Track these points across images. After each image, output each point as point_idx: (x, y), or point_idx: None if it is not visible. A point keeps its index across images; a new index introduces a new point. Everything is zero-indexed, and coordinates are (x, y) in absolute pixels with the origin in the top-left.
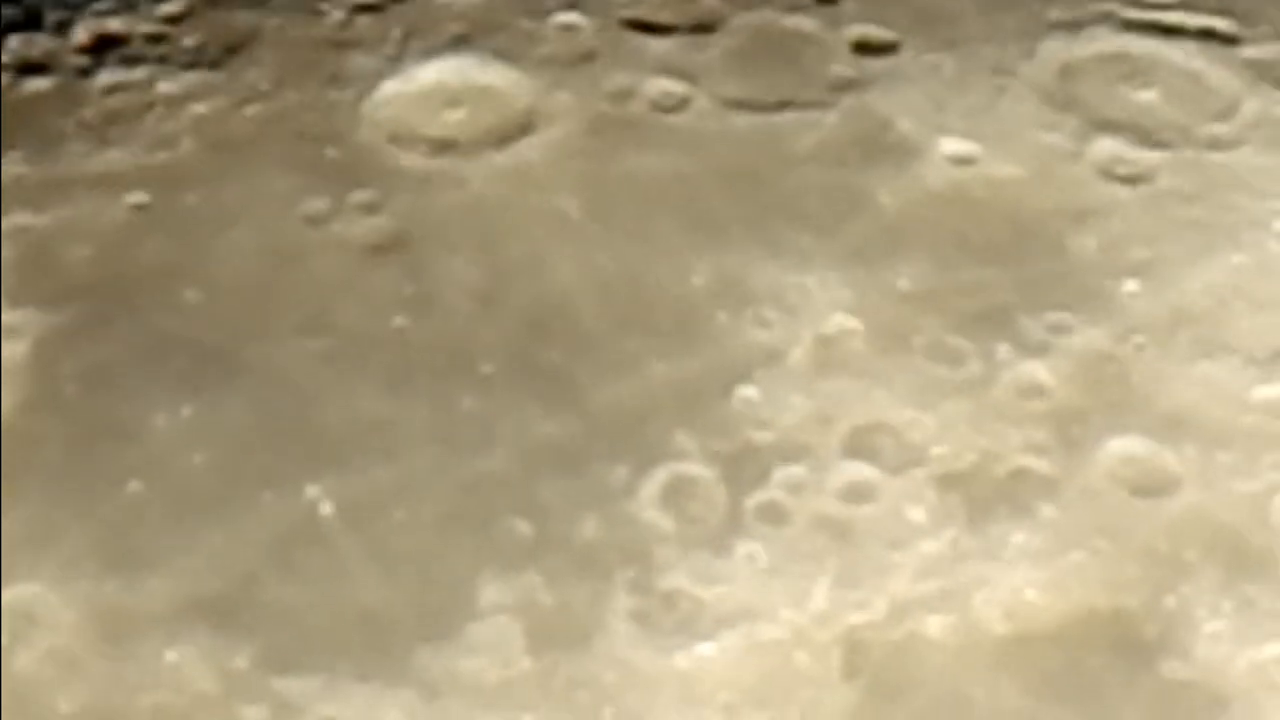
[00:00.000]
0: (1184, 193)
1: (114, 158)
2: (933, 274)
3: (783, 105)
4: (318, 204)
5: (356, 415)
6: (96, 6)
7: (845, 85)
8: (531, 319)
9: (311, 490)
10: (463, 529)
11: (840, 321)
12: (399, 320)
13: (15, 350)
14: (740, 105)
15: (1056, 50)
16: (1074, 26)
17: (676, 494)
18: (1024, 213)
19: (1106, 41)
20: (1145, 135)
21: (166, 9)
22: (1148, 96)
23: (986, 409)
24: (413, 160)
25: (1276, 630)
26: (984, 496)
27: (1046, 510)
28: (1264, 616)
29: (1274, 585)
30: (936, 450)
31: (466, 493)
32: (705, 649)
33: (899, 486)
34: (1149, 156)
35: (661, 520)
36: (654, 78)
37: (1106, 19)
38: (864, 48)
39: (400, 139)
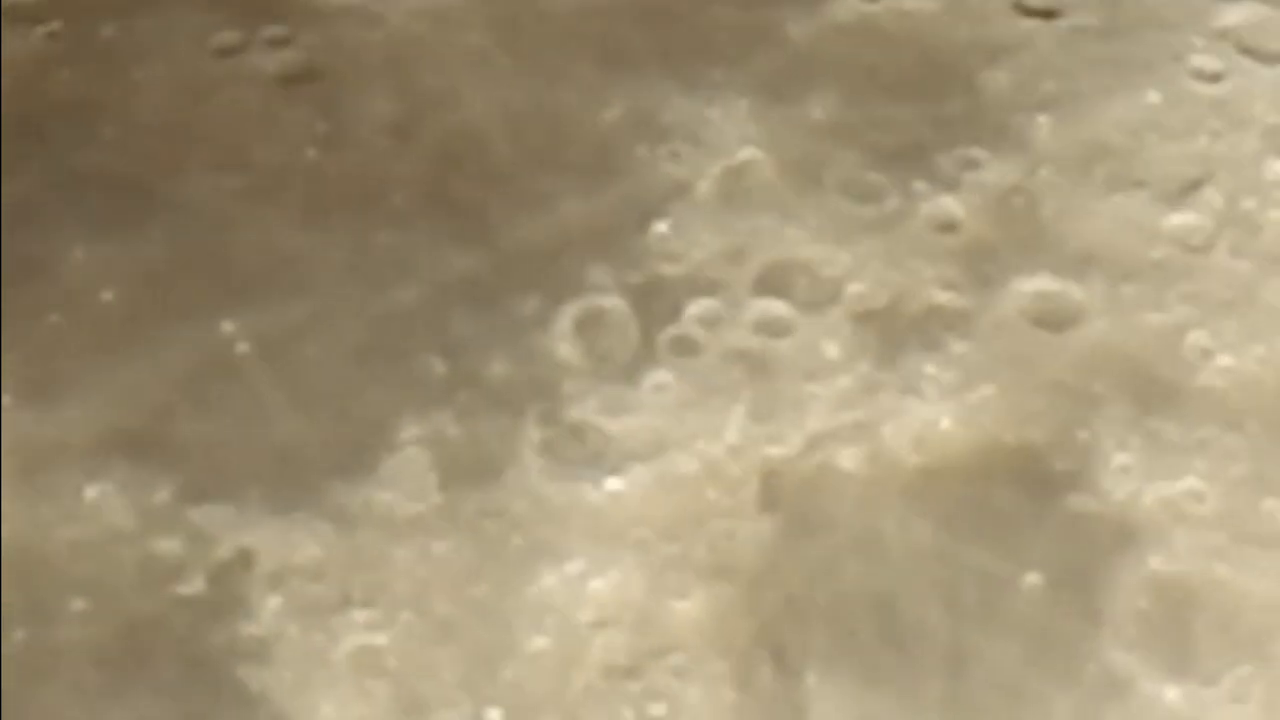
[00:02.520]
0: (1097, 27)
1: None
2: (844, 108)
3: None
4: (230, 37)
5: (270, 250)
6: None
7: None
8: (445, 154)
9: (227, 325)
10: (376, 364)
11: (751, 155)
12: (312, 155)
13: None
14: None
15: None
16: None
17: (588, 328)
18: (936, 47)
19: None
20: None
21: None
22: None
23: (899, 245)
24: None
25: (1185, 464)
26: (897, 331)
27: (958, 345)
28: (1172, 450)
29: (1182, 419)
30: (850, 286)
31: (380, 328)
32: (616, 482)
33: (813, 322)
34: None
35: (573, 354)
36: None
37: None
38: None
39: None
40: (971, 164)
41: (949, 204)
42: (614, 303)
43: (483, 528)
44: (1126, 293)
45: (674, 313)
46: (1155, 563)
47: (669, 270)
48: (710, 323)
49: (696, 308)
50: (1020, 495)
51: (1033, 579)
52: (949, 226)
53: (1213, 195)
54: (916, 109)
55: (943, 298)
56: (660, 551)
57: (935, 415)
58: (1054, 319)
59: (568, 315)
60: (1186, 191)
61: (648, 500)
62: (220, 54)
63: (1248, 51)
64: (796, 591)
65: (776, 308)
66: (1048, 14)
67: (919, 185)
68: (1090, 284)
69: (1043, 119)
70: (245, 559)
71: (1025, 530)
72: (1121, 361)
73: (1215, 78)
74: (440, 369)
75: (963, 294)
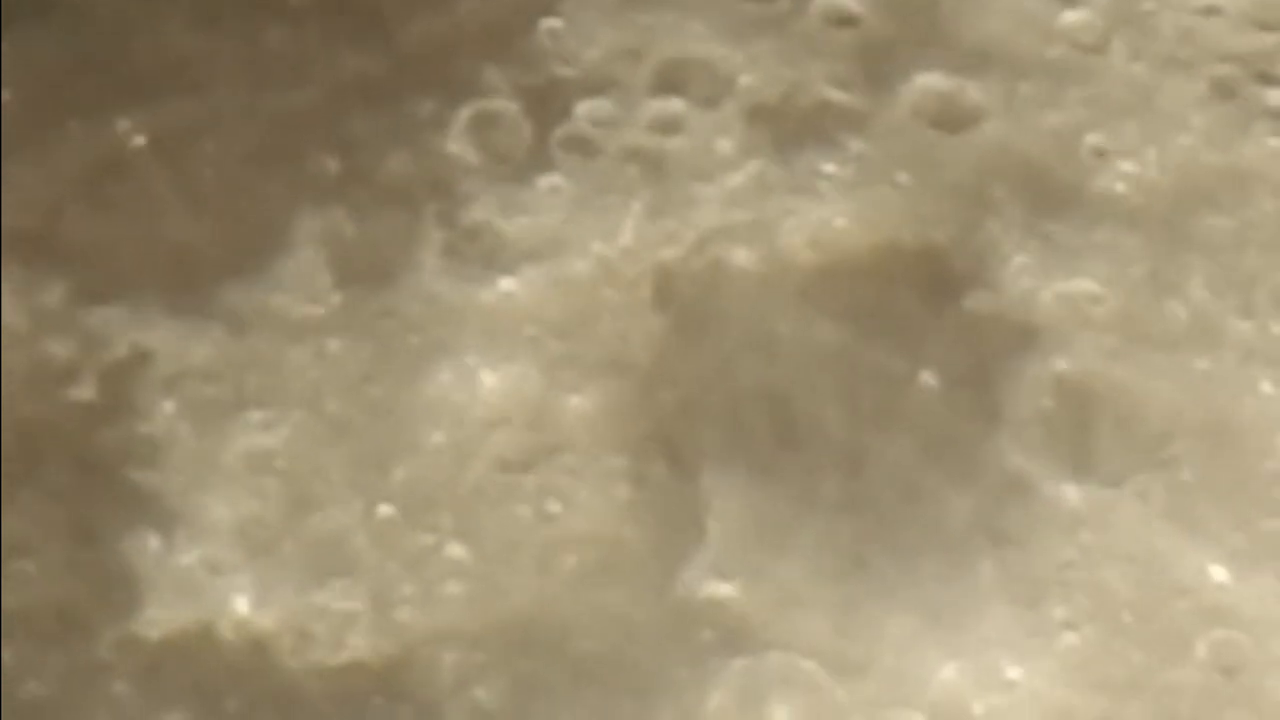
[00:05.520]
0: None
1: None
2: None
3: None
4: None
5: (164, 49)
6: None
7: None
8: None
9: (121, 125)
10: (272, 164)
11: None
12: None
13: None
14: None
15: None
16: None
17: (484, 128)
18: None
19: None
20: None
21: None
22: None
23: (792, 41)
24: None
25: (1083, 265)
26: (791, 129)
27: (853, 144)
28: (1069, 251)
29: (1078, 220)
30: (744, 83)
31: (274, 128)
32: (511, 282)
33: (706, 119)
34: None
35: (468, 154)
36: None
37: None
38: None
39: None
40: None
41: (842, 1)
42: (509, 102)
43: (377, 327)
44: (1023, 92)
45: (568, 112)
46: (1055, 364)
47: (564, 70)
48: (604, 122)
49: (591, 106)
50: (917, 295)
51: (930, 378)
52: (843, 22)
53: None
54: None
55: (837, 95)
56: (554, 350)
57: (830, 214)
58: (950, 118)
59: (464, 115)
60: None
61: (542, 299)
62: None
63: None
64: (691, 390)
65: (670, 105)
66: None
67: None
68: (986, 83)
69: None
70: (138, 360)
71: (922, 330)
72: (1019, 162)
73: None
74: (335, 169)
75: (857, 91)
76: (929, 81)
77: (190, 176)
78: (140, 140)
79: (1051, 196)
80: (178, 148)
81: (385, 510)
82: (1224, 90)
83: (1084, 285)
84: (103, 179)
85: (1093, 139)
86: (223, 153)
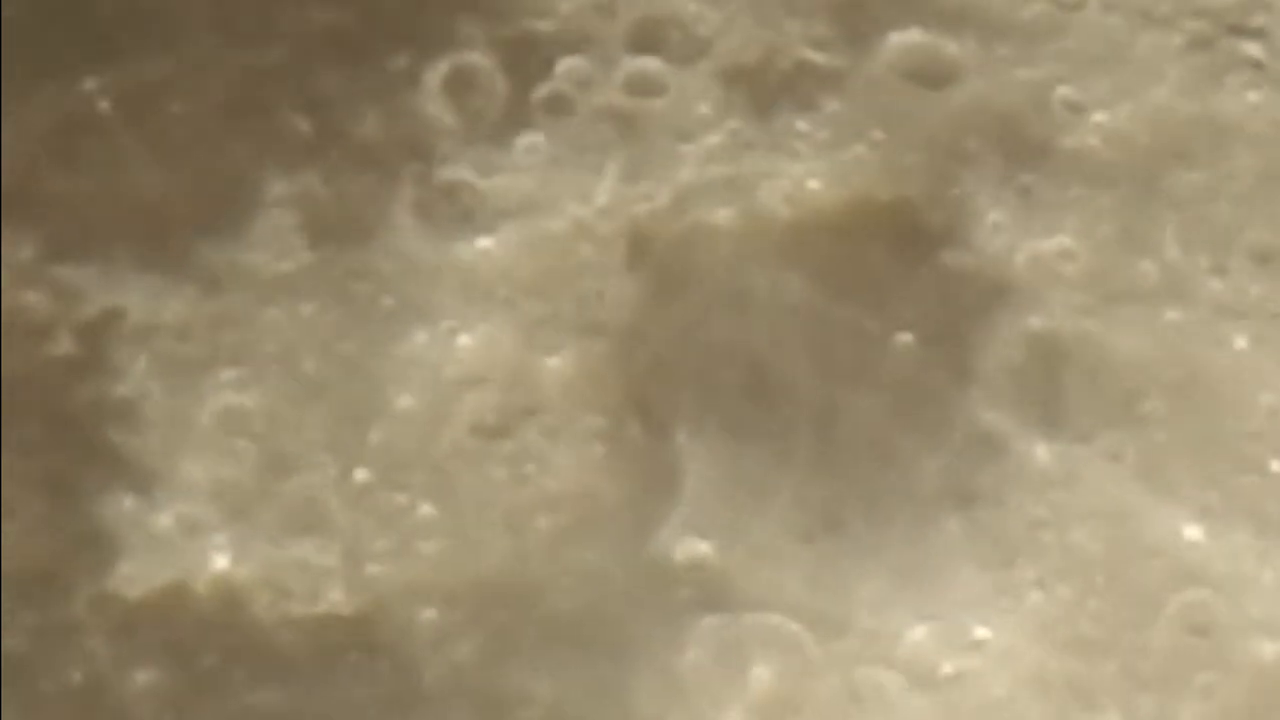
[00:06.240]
0: None
1: None
2: None
3: None
4: None
5: (132, 4)
6: None
7: None
8: None
9: (89, 81)
10: (242, 121)
11: None
12: None
13: None
14: None
15: None
16: None
17: (458, 85)
18: None
19: None
20: None
21: None
22: None
23: (769, 0)
24: None
25: (1056, 221)
26: (768, 89)
27: (830, 103)
28: (1044, 207)
29: (1053, 176)
30: (721, 43)
31: (245, 84)
32: (487, 241)
33: (684, 79)
34: None
35: (443, 112)
36: None
37: None
38: None
39: None
40: None
41: None
42: (485, 59)
43: (352, 287)
44: (999, 49)
45: (546, 70)
46: (1027, 321)
47: (540, 25)
48: (581, 81)
49: (568, 65)
50: (892, 252)
51: (903, 337)
52: None
53: None
54: None
55: (813, 55)
56: (530, 309)
57: (807, 172)
58: (926, 75)
59: (438, 71)
60: None
61: (518, 259)
62: None
63: None
64: (666, 349)
65: (648, 64)
66: None
67: None
68: (963, 40)
69: None
70: (112, 318)
71: (897, 288)
72: (994, 118)
73: None
74: (307, 127)
75: (834, 51)
76: (906, 39)
77: (160, 133)
78: (108, 97)
79: (1026, 152)
80: (147, 104)
81: (360, 471)
82: (1199, 43)
83: (1057, 241)
84: (73, 136)
85: (1067, 93)
86: (192, 109)
